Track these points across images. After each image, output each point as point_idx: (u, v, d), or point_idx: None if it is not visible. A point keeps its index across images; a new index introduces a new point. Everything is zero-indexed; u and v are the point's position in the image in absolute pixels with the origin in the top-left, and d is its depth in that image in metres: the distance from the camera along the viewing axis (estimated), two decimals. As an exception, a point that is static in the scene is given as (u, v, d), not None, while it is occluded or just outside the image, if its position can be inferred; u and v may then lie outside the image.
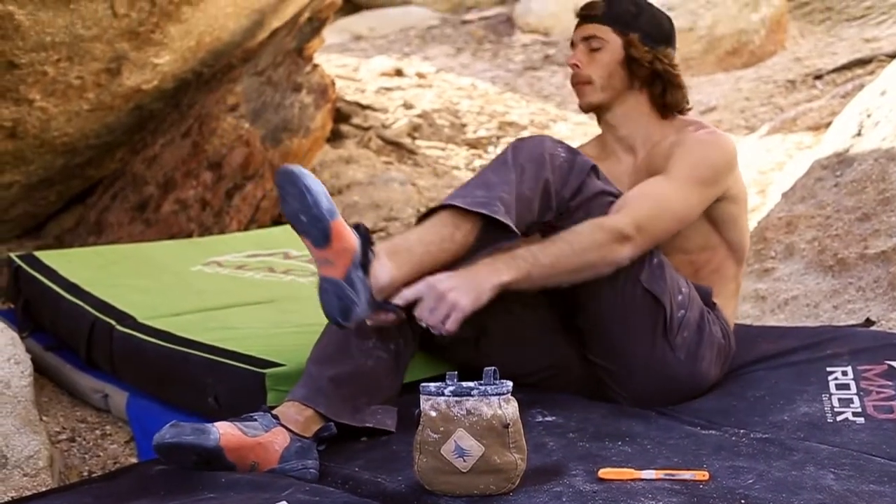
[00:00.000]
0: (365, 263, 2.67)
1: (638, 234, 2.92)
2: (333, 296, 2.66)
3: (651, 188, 3.04)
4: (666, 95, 3.27)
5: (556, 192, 2.91)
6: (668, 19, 3.36)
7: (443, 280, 2.72)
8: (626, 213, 2.93)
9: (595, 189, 2.96)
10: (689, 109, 3.35)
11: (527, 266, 2.79)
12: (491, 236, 2.84)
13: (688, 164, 3.09)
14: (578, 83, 3.29)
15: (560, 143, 3.00)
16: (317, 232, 2.64)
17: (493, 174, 2.89)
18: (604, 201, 2.96)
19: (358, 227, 2.71)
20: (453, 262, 2.80)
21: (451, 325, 2.70)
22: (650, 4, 3.34)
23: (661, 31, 3.30)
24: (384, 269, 2.71)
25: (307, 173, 2.64)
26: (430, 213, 2.86)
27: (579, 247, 2.85)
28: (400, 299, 2.72)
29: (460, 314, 2.70)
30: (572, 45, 3.33)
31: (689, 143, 3.15)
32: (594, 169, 2.98)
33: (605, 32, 3.25)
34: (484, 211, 2.78)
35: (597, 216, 2.92)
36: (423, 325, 2.73)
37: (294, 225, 2.67)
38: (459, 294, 2.69)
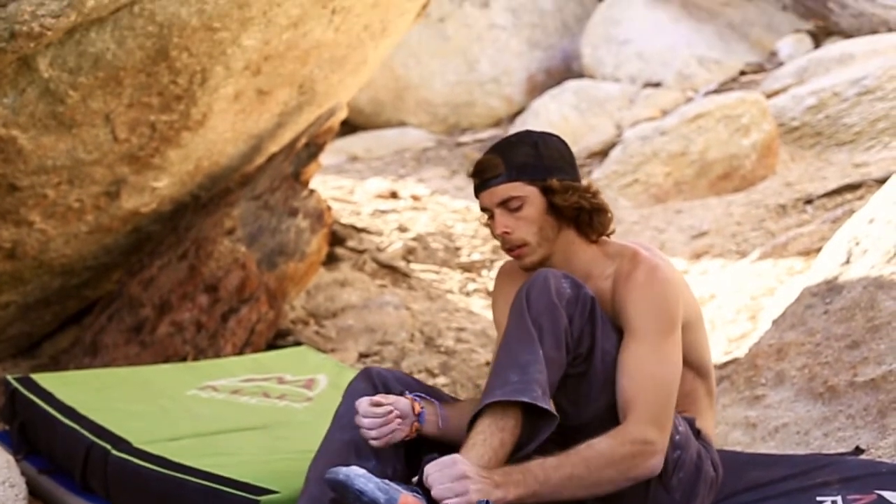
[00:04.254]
0: None
1: (662, 434, 2.88)
2: None
3: (639, 370, 2.93)
4: (593, 223, 3.12)
5: (568, 332, 2.91)
6: (559, 139, 3.18)
7: (467, 472, 2.73)
8: (640, 416, 2.88)
9: (595, 337, 2.94)
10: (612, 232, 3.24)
11: (536, 485, 2.77)
12: (535, 424, 2.85)
13: (650, 320, 2.98)
14: (513, 249, 3.11)
15: (565, 275, 2.97)
16: None
17: (520, 346, 2.88)
18: (604, 360, 2.95)
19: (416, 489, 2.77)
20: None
21: None
22: (539, 135, 3.15)
23: (565, 160, 3.13)
24: None
25: (352, 475, 2.69)
26: (477, 415, 2.86)
27: (596, 465, 2.82)
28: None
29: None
30: (484, 209, 3.14)
31: (638, 293, 3.01)
32: (593, 302, 2.96)
33: (518, 189, 3.06)
34: (524, 399, 2.80)
35: (599, 375, 2.92)
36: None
37: None
38: (475, 491, 2.71)
